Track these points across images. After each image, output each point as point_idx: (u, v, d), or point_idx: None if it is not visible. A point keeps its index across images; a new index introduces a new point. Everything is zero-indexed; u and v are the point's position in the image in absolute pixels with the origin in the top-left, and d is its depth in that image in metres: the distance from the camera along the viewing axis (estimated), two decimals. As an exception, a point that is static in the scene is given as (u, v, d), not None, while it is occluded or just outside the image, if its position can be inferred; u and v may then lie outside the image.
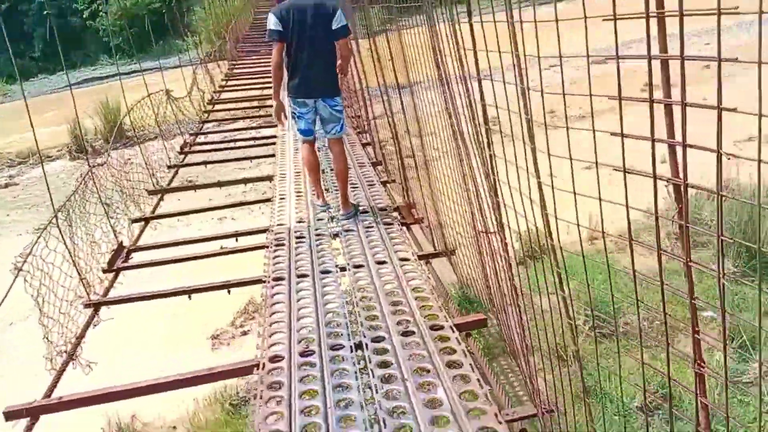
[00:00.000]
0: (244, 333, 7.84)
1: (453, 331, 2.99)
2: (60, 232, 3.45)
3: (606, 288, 2.40)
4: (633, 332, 4.84)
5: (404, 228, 4.45)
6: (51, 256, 3.43)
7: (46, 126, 24.85)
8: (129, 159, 6.53)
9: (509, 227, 2.56)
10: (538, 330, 2.59)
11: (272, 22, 4.39)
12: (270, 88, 4.71)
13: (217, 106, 10.19)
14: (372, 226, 4.46)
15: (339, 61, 4.57)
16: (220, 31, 25.43)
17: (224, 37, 20.74)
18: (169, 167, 6.41)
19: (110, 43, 35.65)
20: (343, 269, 3.90)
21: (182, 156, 7.12)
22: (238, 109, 10.57)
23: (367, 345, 2.95)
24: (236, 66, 14.00)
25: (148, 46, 33.79)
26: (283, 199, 5.17)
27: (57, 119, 23.32)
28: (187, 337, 7.41)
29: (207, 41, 30.49)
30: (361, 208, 4.86)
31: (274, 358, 2.90)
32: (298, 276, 3.74)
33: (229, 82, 12.04)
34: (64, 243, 3.49)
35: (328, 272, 3.80)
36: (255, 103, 10.10)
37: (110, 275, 4.17)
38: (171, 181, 6.11)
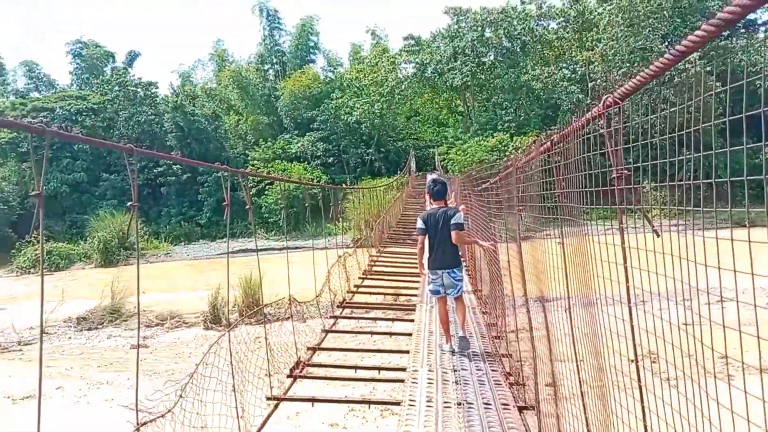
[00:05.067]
0: None
1: None
2: None
3: None
4: None
5: None
6: None
7: (192, 290, 25.85)
8: (258, 337, 5.53)
9: None
10: None
11: (419, 223, 6.76)
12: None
13: (346, 311, 9.16)
14: None
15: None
16: (369, 221, 26.03)
17: (371, 227, 20.86)
18: (268, 399, 5.17)
19: (269, 219, 38.17)
20: None
21: (290, 380, 5.92)
22: (368, 318, 9.47)
23: None
24: (376, 263, 13.24)
25: (301, 226, 35.59)
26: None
27: (204, 284, 24.17)
28: None
29: (356, 228, 31.47)
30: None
31: None
32: None
33: (365, 282, 11.14)
34: None
35: None
36: (388, 314, 8.96)
37: None
38: (264, 423, 4.81)
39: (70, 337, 20.07)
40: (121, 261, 33.91)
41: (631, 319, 2.39)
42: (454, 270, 6.55)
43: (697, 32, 1.58)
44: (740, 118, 1.62)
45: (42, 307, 2.72)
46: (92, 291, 24.65)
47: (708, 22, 1.51)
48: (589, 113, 2.46)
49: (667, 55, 1.73)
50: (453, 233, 6.46)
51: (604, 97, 2.26)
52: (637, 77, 1.90)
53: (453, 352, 6.38)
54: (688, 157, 1.94)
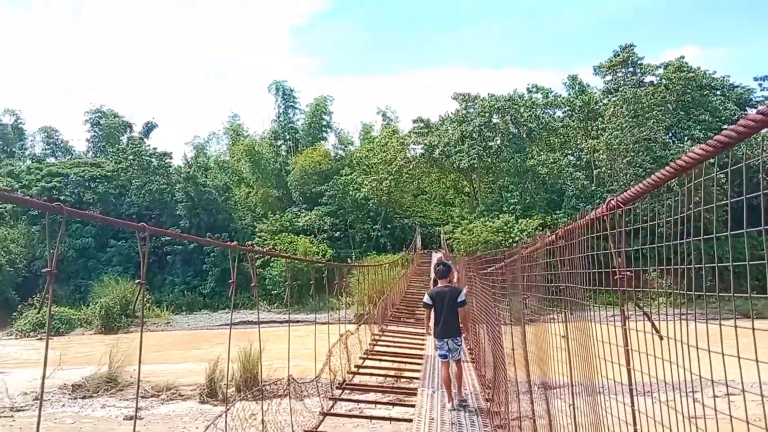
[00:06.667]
0: None
1: None
2: None
3: None
4: None
5: None
6: None
7: (190, 361, 25.41)
8: (253, 413, 5.37)
9: None
10: None
11: (426, 298, 8.15)
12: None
13: (345, 393, 8.99)
14: None
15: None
16: (372, 297, 25.88)
17: (374, 303, 20.72)
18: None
19: (273, 291, 37.99)
20: None
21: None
22: (368, 401, 9.27)
23: None
24: (378, 342, 13.08)
25: (304, 299, 35.37)
26: None
27: (202, 355, 23.77)
28: None
29: (359, 304, 31.25)
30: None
31: None
32: None
33: (366, 362, 10.98)
34: None
35: None
36: (388, 396, 8.78)
37: None
38: None
39: (63, 405, 19.58)
40: (122, 329, 33.57)
41: (635, 423, 2.37)
42: (457, 337, 7.97)
43: (696, 150, 1.68)
44: (743, 208, 1.68)
45: (43, 382, 2.72)
46: (90, 357, 24.30)
47: (707, 142, 1.61)
48: (593, 213, 2.54)
49: (668, 168, 1.83)
50: (461, 309, 7.91)
51: (608, 199, 2.34)
52: (639, 185, 1.99)
53: (454, 409, 7.69)
54: (690, 241, 1.99)
